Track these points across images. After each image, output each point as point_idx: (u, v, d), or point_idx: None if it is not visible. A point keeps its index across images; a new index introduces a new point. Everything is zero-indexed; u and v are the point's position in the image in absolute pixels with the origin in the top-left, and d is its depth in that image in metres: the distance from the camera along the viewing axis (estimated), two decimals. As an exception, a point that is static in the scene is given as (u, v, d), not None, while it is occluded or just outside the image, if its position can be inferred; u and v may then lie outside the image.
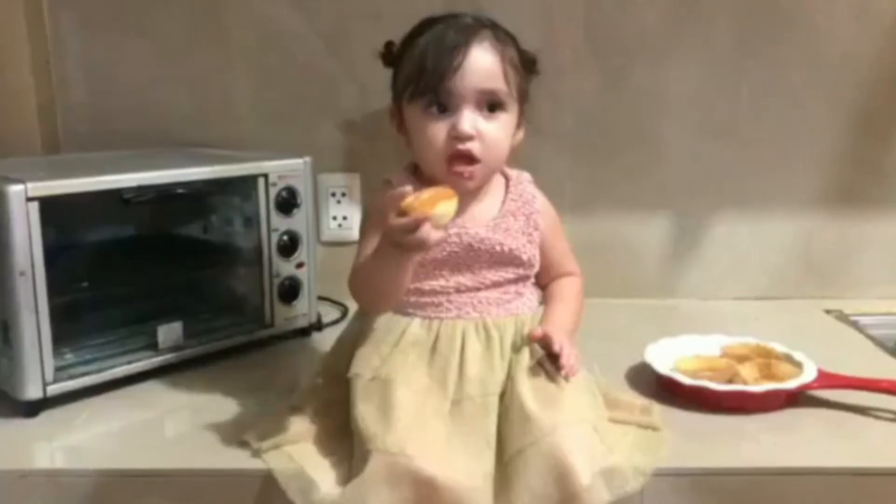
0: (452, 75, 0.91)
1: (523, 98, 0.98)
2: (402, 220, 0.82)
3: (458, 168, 0.94)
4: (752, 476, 0.89)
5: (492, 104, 0.94)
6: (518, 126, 0.99)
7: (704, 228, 1.47)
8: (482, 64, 0.92)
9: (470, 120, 0.92)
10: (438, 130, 0.93)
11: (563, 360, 0.90)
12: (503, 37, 0.95)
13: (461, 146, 0.92)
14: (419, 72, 0.93)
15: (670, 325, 1.24)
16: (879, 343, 1.27)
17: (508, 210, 0.99)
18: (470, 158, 0.93)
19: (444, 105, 0.93)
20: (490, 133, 0.93)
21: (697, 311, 1.43)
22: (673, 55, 1.41)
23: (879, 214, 1.46)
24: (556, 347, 0.90)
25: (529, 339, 0.93)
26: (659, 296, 1.47)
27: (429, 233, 0.82)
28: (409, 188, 0.83)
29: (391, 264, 0.88)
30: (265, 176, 1.21)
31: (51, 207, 1.00)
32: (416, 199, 0.82)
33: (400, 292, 0.92)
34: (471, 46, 0.92)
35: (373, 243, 0.91)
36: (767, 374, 1.06)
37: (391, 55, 0.99)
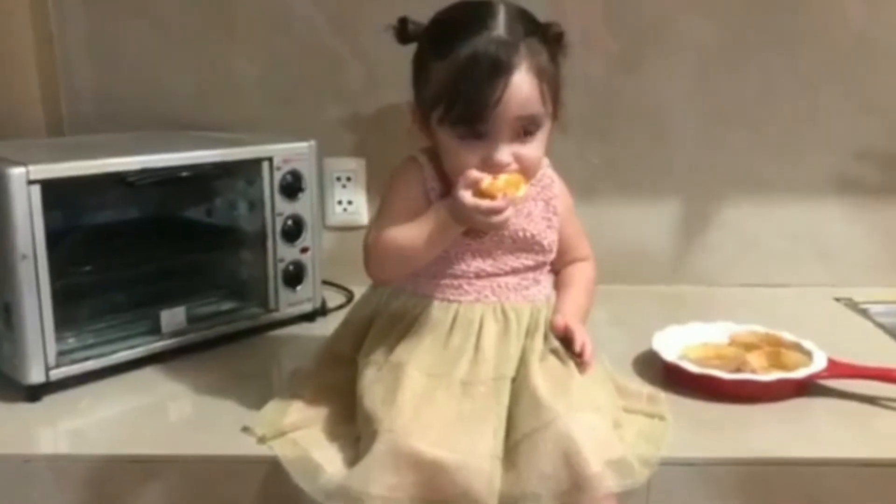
0: (492, 111, 0.85)
1: (557, 99, 0.92)
2: (493, 203, 0.84)
3: None
4: (761, 466, 0.89)
5: (528, 128, 0.89)
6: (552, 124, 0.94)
7: (713, 214, 1.46)
8: (521, 93, 0.86)
9: (507, 151, 0.88)
10: (472, 155, 0.88)
11: (587, 357, 0.91)
12: (537, 46, 0.88)
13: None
14: (452, 96, 0.86)
15: (678, 313, 1.23)
16: (890, 331, 1.26)
17: (529, 195, 0.96)
18: None
19: (479, 133, 0.88)
20: (527, 154, 0.89)
21: (705, 299, 1.41)
22: (682, 38, 1.39)
23: (890, 201, 1.44)
24: (579, 346, 0.91)
25: (550, 328, 0.93)
26: (666, 282, 1.46)
27: (510, 215, 0.86)
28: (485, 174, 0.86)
29: (445, 235, 0.90)
30: (270, 159, 1.20)
31: (53, 190, 1.00)
32: (494, 183, 0.85)
33: (427, 262, 0.93)
34: (511, 76, 0.85)
35: (400, 211, 0.92)
36: (776, 363, 1.05)
37: (407, 34, 0.95)
